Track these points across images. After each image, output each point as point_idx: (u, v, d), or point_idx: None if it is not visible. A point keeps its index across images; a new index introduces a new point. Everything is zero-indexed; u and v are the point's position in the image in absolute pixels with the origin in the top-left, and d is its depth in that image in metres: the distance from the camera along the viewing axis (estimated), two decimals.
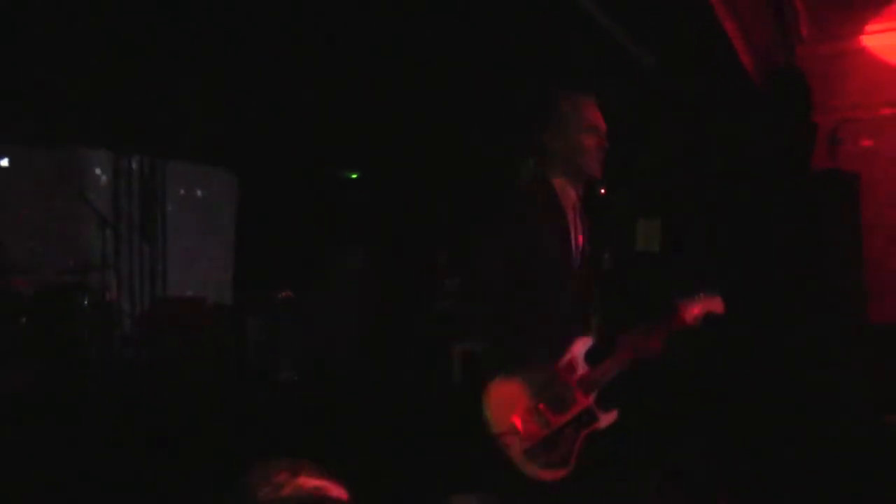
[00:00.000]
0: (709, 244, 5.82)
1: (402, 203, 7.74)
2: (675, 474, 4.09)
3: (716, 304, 2.63)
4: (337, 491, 1.45)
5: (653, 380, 2.72)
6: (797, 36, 5.35)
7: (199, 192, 7.70)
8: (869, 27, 5.27)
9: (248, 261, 7.69)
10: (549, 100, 2.64)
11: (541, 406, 2.39)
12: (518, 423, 2.36)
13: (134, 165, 7.10)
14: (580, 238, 2.61)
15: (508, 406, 2.37)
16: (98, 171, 6.89)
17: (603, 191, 6.68)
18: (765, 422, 4.91)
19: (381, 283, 7.62)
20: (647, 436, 3.91)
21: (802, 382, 5.14)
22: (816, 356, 5.28)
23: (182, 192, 7.54)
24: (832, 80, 5.41)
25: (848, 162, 5.55)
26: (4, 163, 6.08)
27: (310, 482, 1.44)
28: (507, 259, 2.47)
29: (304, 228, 7.76)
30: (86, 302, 5.69)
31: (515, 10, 4.59)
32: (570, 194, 2.62)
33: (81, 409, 5.18)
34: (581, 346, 2.50)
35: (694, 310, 2.58)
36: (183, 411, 5.49)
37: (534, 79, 5.10)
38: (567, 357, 2.47)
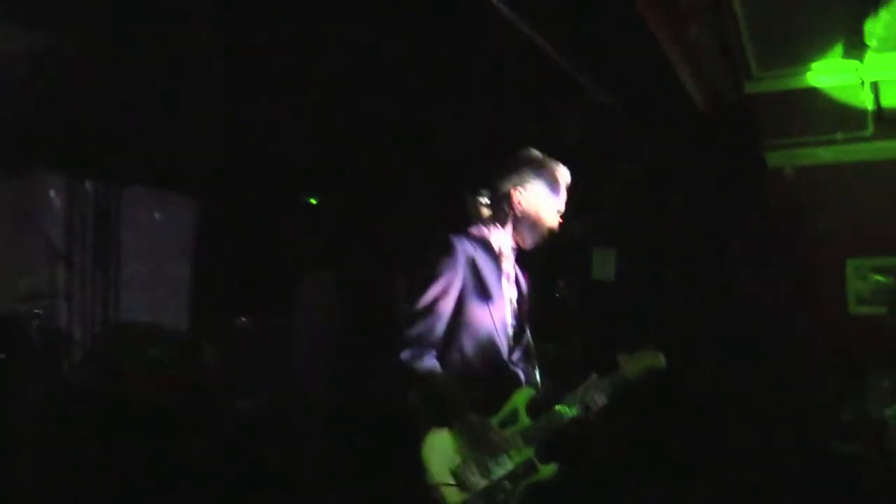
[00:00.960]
0: (661, 276, 5.94)
1: (360, 227, 7.74)
2: None
3: (657, 360, 2.68)
4: None
5: (595, 433, 2.73)
6: (745, 73, 5.49)
7: (156, 217, 7.60)
8: (815, 65, 5.42)
9: (205, 287, 7.62)
10: (537, 160, 2.61)
11: (480, 457, 2.39)
12: (455, 473, 2.35)
13: (89, 189, 6.99)
14: (512, 289, 2.65)
15: (447, 456, 2.36)
16: (52, 195, 6.76)
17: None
18: (712, 455, 5.00)
19: (341, 307, 7.60)
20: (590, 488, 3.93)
21: (749, 411, 5.26)
22: (764, 384, 5.41)
23: (139, 216, 7.43)
24: (780, 116, 5.56)
25: (796, 198, 5.71)
26: None
27: None
28: (439, 310, 2.46)
29: (263, 253, 7.72)
30: (36, 330, 5.59)
31: (476, 51, 4.66)
32: (504, 246, 2.64)
33: (33, 439, 5.08)
34: (522, 398, 2.52)
35: (635, 366, 2.65)
36: (138, 439, 5.42)
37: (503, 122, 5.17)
38: (508, 408, 2.49)
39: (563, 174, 2.65)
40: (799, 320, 5.50)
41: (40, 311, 5.78)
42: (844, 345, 5.37)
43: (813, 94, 5.31)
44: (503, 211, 2.61)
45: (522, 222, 2.60)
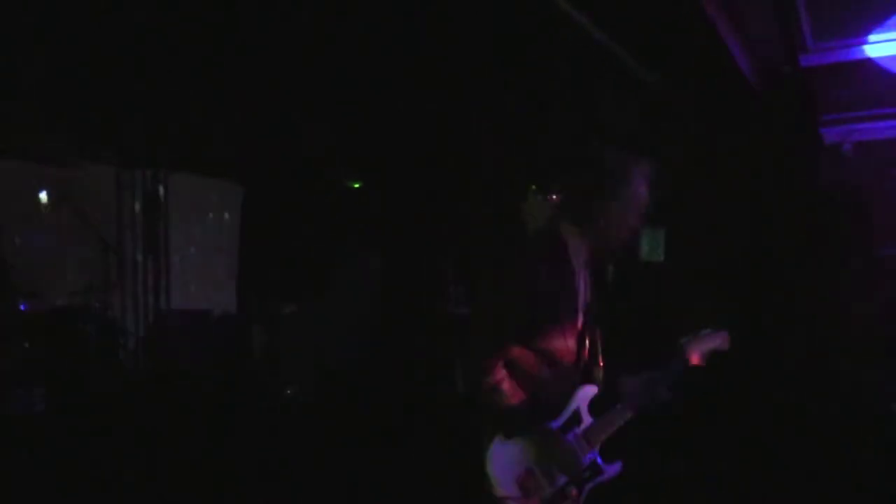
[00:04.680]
0: (712, 257, 5.81)
1: (406, 210, 7.72)
2: None
3: (721, 340, 2.60)
4: None
5: (657, 426, 2.67)
6: (801, 45, 5.29)
7: (203, 205, 7.68)
8: (873, 35, 5.20)
9: (254, 274, 7.69)
10: (615, 162, 2.42)
11: (544, 464, 2.34)
12: (521, 484, 2.31)
13: (137, 179, 7.08)
14: (587, 295, 2.52)
15: (511, 467, 2.32)
16: (102, 187, 6.86)
17: None
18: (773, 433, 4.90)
19: (388, 292, 7.61)
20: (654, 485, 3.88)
21: (809, 386, 5.15)
22: (822, 363, 5.28)
23: (186, 204, 7.52)
24: (837, 90, 5.35)
25: (854, 174, 5.51)
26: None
27: None
28: (510, 312, 2.34)
29: (309, 239, 7.76)
30: (91, 323, 5.71)
31: (519, 29, 4.56)
32: (582, 251, 2.48)
33: (90, 432, 5.21)
34: (585, 396, 2.44)
35: (700, 350, 2.57)
36: (191, 428, 5.53)
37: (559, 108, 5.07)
38: (571, 408, 2.42)
39: (645, 172, 2.44)
40: (859, 302, 5.34)
41: (97, 304, 5.89)
42: None
43: (871, 66, 5.10)
44: (584, 220, 2.43)
45: (605, 230, 2.42)
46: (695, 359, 2.56)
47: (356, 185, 8.08)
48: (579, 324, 2.49)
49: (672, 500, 4.27)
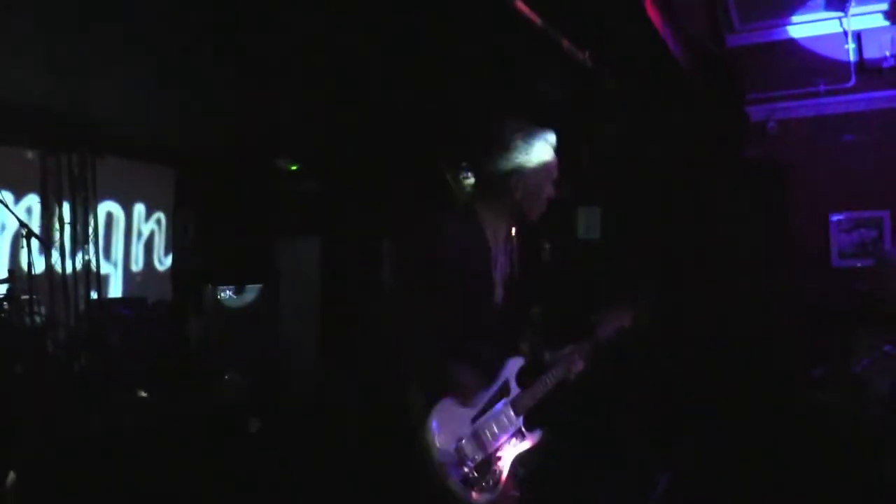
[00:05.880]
0: (645, 232, 5.92)
1: (344, 194, 7.66)
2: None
3: (625, 318, 2.83)
4: None
5: (577, 395, 2.81)
6: (727, 25, 5.39)
7: (133, 189, 7.47)
8: (797, 17, 5.34)
9: (189, 259, 7.55)
10: (520, 135, 2.49)
11: (479, 430, 2.42)
12: (459, 449, 2.35)
13: (63, 163, 6.83)
14: (507, 271, 2.60)
15: (449, 433, 2.35)
16: (26, 170, 6.61)
17: None
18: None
19: (327, 276, 7.57)
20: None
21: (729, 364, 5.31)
22: (747, 335, 5.46)
23: (117, 189, 7.30)
24: (762, 69, 5.49)
25: (778, 151, 5.66)
26: None
27: None
28: (429, 286, 2.40)
29: (246, 222, 7.65)
30: (15, 313, 5.52)
31: (453, 13, 4.52)
32: (500, 229, 2.57)
33: (17, 424, 5.07)
34: (513, 367, 2.57)
35: (608, 326, 2.79)
36: (124, 417, 5.43)
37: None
38: (501, 378, 2.53)
39: (552, 140, 2.54)
40: (781, 274, 5.51)
41: (21, 293, 5.68)
42: (826, 298, 5.38)
43: (795, 46, 5.25)
44: (500, 196, 2.51)
45: (522, 204, 2.52)
46: (604, 335, 2.78)
47: (293, 168, 7.96)
48: (499, 298, 2.58)
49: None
